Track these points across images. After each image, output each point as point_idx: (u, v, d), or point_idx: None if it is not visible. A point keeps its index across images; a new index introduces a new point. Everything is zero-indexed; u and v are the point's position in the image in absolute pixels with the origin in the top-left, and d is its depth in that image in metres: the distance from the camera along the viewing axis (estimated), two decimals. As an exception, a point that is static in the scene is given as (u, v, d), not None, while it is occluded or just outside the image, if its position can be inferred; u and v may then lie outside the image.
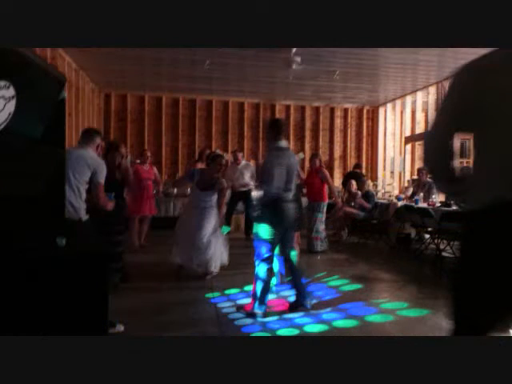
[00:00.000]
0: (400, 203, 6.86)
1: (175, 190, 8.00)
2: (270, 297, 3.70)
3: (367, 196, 7.16)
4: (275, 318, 3.45)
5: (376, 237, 6.97)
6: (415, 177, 7.97)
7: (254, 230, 3.55)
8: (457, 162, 1.50)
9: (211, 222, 4.58)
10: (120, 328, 3.06)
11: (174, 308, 3.67)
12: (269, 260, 3.46)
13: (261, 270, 3.45)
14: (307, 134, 10.07)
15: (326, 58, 6.40)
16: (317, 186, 6.18)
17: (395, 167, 9.65)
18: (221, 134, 9.63)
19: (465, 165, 6.36)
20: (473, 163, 1.44)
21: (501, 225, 1.27)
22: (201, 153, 7.07)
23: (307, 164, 8.04)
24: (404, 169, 9.25)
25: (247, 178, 7.22)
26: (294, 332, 3.17)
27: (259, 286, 3.44)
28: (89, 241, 2.85)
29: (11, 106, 1.83)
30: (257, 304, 3.44)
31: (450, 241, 5.23)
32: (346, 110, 10.26)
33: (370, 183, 8.59)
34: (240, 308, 3.65)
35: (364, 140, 10.45)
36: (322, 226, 6.22)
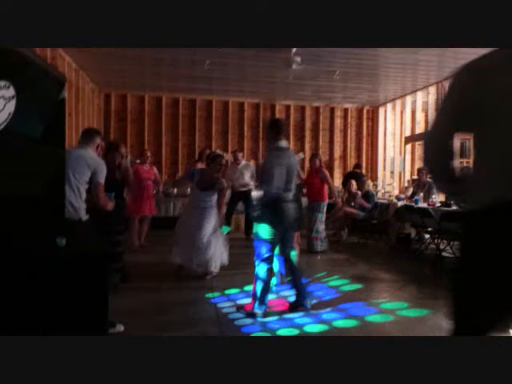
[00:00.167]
0: (400, 203, 6.86)
1: (175, 190, 8.00)
2: (270, 297, 3.69)
3: (367, 196, 7.16)
4: (275, 317, 3.45)
5: (376, 237, 6.97)
6: (415, 177, 7.97)
7: (254, 230, 3.55)
8: (457, 162, 1.50)
9: (211, 221, 4.58)
10: (120, 328, 3.06)
11: (174, 308, 3.67)
12: (269, 260, 3.46)
13: (261, 269, 3.45)
14: (307, 133, 10.07)
15: (326, 57, 6.40)
16: (317, 186, 6.18)
17: (395, 167, 9.66)
18: (221, 133, 9.63)
19: (465, 165, 6.36)
20: (473, 163, 1.44)
21: (501, 225, 1.27)
22: (201, 153, 7.08)
23: (307, 164, 8.04)
24: (404, 169, 9.26)
25: (247, 177, 7.22)
26: (294, 332, 3.17)
27: (259, 286, 3.44)
28: (89, 241, 2.85)
29: (11, 106, 1.83)
30: (257, 304, 3.44)
31: (450, 241, 5.23)
32: (345, 110, 10.27)
33: (370, 183, 8.59)
34: (240, 308, 3.65)
35: (364, 140, 10.45)
36: (322, 226, 6.22)
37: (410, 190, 7.46)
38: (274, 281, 4.00)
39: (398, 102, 9.54)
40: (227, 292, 4.15)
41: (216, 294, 4.10)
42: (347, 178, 7.90)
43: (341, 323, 3.37)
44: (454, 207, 5.53)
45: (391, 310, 3.68)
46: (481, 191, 1.35)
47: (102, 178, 3.14)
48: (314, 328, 3.26)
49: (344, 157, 10.33)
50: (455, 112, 1.43)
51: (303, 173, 7.56)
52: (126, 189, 4.49)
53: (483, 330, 1.33)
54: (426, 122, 8.96)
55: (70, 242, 2.13)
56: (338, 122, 10.26)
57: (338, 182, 9.53)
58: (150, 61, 6.70)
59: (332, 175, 9.47)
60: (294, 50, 5.96)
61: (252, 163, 8.12)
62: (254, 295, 3.50)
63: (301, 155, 9.28)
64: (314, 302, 3.80)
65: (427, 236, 6.03)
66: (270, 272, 3.54)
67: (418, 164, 8.85)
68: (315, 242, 6.19)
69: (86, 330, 1.95)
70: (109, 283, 2.41)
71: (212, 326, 3.29)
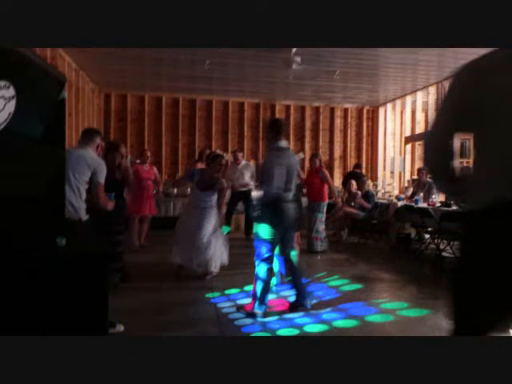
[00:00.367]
0: (400, 203, 6.86)
1: (175, 190, 8.00)
2: (270, 297, 3.70)
3: (367, 196, 7.16)
4: (275, 317, 3.45)
5: (376, 237, 6.97)
6: (415, 177, 7.97)
7: (254, 230, 3.55)
8: (457, 162, 1.50)
9: (211, 221, 4.58)
10: (120, 328, 3.06)
11: (174, 308, 3.67)
12: (269, 260, 3.46)
13: (261, 270, 3.45)
14: (307, 133, 10.07)
15: (326, 57, 6.40)
16: (317, 186, 6.18)
17: (395, 167, 9.66)
18: (221, 133, 9.63)
19: (465, 165, 6.36)
20: (473, 163, 1.44)
21: (501, 225, 1.27)
22: (201, 153, 7.07)
23: (307, 164, 8.03)
24: (404, 169, 9.26)
25: (247, 177, 7.22)
26: (294, 332, 3.17)
27: (259, 286, 3.44)
28: (89, 241, 2.85)
29: (11, 106, 1.83)
30: (257, 304, 3.44)
31: (450, 241, 5.23)
32: (345, 110, 10.27)
33: (370, 183, 8.59)
34: (240, 308, 3.65)
35: (364, 140, 10.45)
36: (322, 226, 6.22)
37: (410, 190, 7.46)
38: (274, 281, 4.00)
39: (398, 102, 9.54)
40: (227, 292, 4.15)
41: (216, 294, 4.10)
42: (347, 177, 7.90)
43: (341, 323, 3.37)
44: (454, 207, 5.53)
45: (391, 309, 3.68)
46: (481, 191, 1.35)
47: (102, 178, 3.14)
48: (313, 328, 3.26)
49: (344, 157, 10.33)
50: (455, 112, 1.43)
51: (303, 173, 7.56)
52: (126, 189, 4.48)
53: (483, 329, 1.33)
54: (426, 122, 8.96)
55: (70, 242, 2.13)
56: (338, 121, 10.26)
57: (337, 182, 9.53)
58: (150, 61, 6.70)
59: (332, 175, 9.47)
60: (294, 50, 5.96)
61: (252, 163, 8.13)
62: (253, 295, 3.50)
63: (301, 155, 9.27)
64: (314, 302, 3.80)
65: (427, 236, 6.02)
66: (270, 272, 3.54)
67: (418, 164, 8.85)
68: (315, 242, 6.19)
69: (86, 330, 1.95)
70: (109, 283, 2.41)
71: (212, 325, 3.29)
